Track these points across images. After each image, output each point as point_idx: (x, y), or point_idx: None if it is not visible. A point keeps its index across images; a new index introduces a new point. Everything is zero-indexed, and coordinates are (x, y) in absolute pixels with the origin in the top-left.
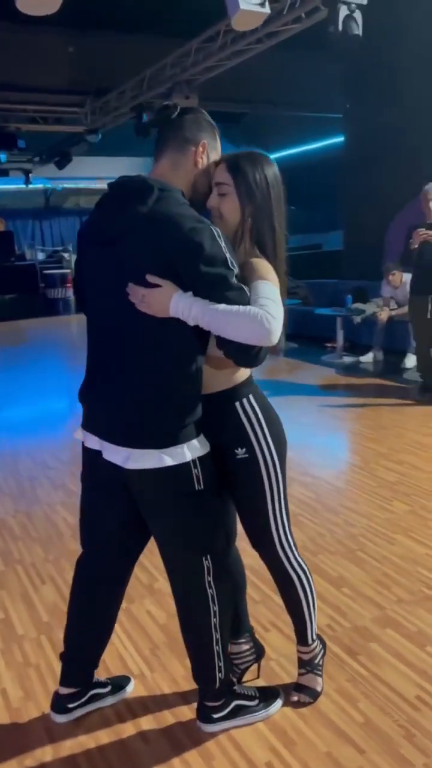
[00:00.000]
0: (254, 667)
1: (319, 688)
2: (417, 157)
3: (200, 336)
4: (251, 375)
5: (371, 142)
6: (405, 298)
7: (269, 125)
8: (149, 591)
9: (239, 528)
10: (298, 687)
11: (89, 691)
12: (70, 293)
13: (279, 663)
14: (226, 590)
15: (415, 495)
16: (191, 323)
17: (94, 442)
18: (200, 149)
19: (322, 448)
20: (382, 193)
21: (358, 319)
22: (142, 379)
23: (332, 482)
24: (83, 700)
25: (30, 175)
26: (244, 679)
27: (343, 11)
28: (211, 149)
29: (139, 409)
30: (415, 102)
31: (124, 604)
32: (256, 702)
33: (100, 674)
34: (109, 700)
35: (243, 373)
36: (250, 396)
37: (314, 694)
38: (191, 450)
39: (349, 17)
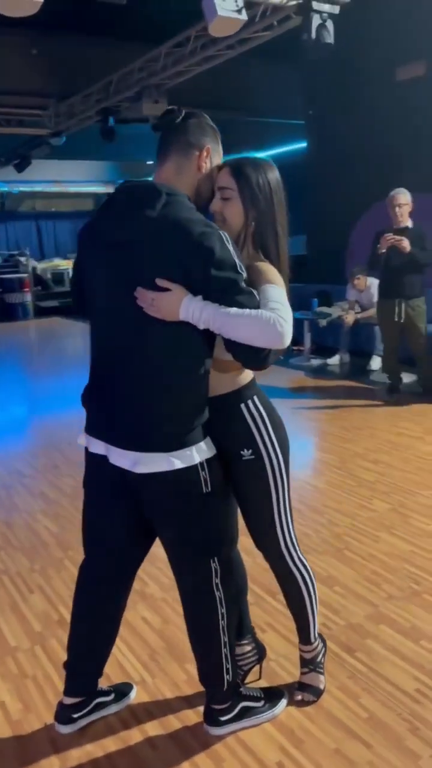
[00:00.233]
0: (256, 668)
1: (322, 686)
2: (378, 164)
3: (207, 339)
4: (254, 377)
5: (333, 148)
6: (369, 302)
7: (231, 130)
8: (141, 597)
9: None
10: (302, 686)
11: (93, 700)
12: (28, 298)
13: (279, 663)
14: (231, 592)
15: (393, 493)
16: (201, 326)
17: (98, 447)
18: (204, 154)
19: (299, 450)
20: (344, 199)
21: (323, 322)
22: (149, 383)
23: (313, 483)
24: (88, 709)
25: None
26: (247, 680)
27: (316, 20)
28: (214, 153)
29: (147, 412)
30: (375, 110)
31: None
32: (261, 703)
33: (101, 682)
34: (113, 708)
35: (247, 375)
36: (255, 398)
37: (317, 692)
38: (199, 453)
39: (321, 26)
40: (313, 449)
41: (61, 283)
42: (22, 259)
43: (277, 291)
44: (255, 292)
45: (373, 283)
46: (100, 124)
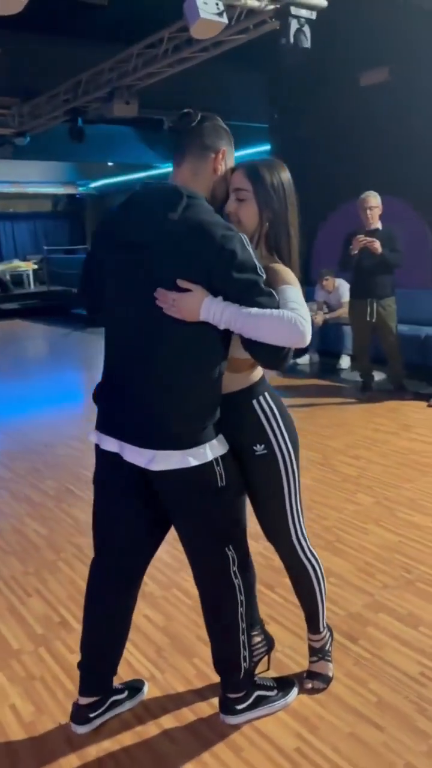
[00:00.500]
0: (264, 659)
1: (330, 674)
2: (342, 168)
3: (224, 340)
4: (264, 375)
5: (298, 151)
6: (338, 302)
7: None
8: (141, 595)
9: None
10: (311, 674)
11: (109, 699)
12: None
13: (285, 654)
14: (248, 580)
15: (376, 487)
16: (221, 326)
17: (111, 445)
18: (220, 156)
19: None
20: (309, 202)
21: None
22: (166, 382)
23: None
24: (104, 708)
25: None
26: (256, 671)
27: (294, 25)
28: (228, 155)
29: (163, 411)
30: (339, 114)
31: None
32: (275, 692)
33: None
34: (127, 705)
35: (258, 373)
36: (266, 394)
37: (327, 680)
38: (212, 450)
39: (299, 31)
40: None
41: (21, 284)
42: None
43: (294, 291)
44: (274, 292)
45: (342, 283)
46: (68, 125)
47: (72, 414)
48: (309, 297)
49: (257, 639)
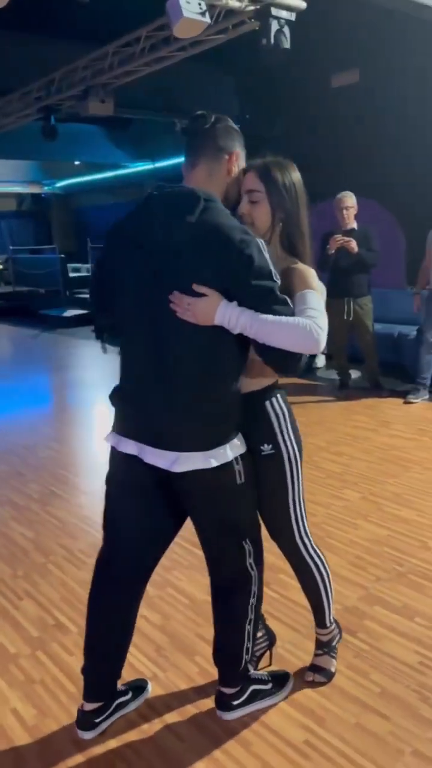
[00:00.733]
0: (266, 654)
1: (333, 669)
2: (314, 169)
3: (241, 343)
4: (277, 378)
5: (270, 152)
6: None
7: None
8: None
9: None
10: (314, 668)
11: (114, 702)
12: None
13: (285, 648)
14: (261, 572)
15: (361, 483)
16: (236, 331)
17: (130, 447)
18: (234, 158)
19: None
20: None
21: None
22: (185, 385)
23: None
24: (109, 712)
25: None
26: (259, 666)
27: (274, 25)
28: (240, 157)
29: (186, 414)
30: (311, 116)
31: None
32: (270, 685)
33: None
34: (132, 706)
35: (273, 375)
36: (279, 396)
37: (329, 675)
38: (232, 449)
39: (279, 32)
40: None
41: None
42: None
43: (315, 297)
44: (288, 300)
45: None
46: (36, 123)
47: (48, 415)
48: None
49: (259, 634)
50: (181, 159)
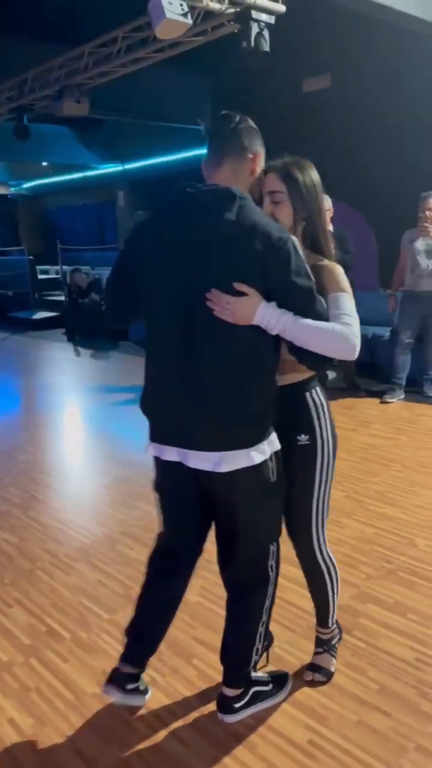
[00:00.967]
0: (264, 654)
1: (332, 669)
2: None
3: (275, 341)
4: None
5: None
6: None
7: (131, 133)
8: (128, 600)
9: None
10: (314, 666)
11: (139, 678)
12: None
13: (282, 648)
14: (277, 575)
15: (345, 482)
16: (273, 332)
17: (171, 454)
18: (257, 158)
19: None
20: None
21: None
22: (224, 385)
23: None
24: (135, 685)
25: None
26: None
27: (255, 28)
28: (262, 157)
29: (228, 413)
30: (282, 120)
31: (107, 616)
32: (270, 686)
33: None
34: (138, 701)
35: (307, 370)
36: (318, 388)
37: (328, 674)
38: (270, 445)
39: (259, 34)
40: None
41: None
42: None
43: (350, 302)
44: (323, 300)
45: None
46: (8, 122)
47: (22, 419)
48: None
49: None
50: (151, 161)
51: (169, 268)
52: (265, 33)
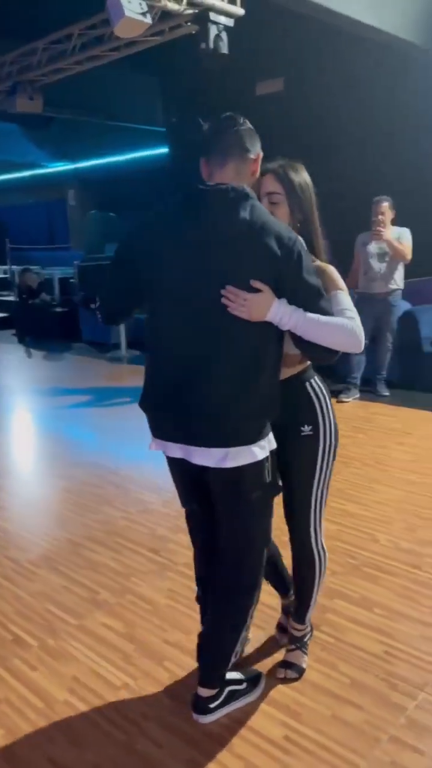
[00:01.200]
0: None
1: (304, 666)
2: None
3: (280, 338)
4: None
5: (196, 156)
6: None
7: (82, 131)
8: (95, 605)
9: None
10: (286, 664)
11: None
12: None
13: (251, 646)
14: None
15: None
16: (285, 328)
17: (175, 451)
18: (258, 159)
19: None
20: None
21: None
22: (233, 380)
23: None
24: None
25: None
26: None
27: (213, 30)
28: (261, 159)
29: (234, 409)
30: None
31: (75, 621)
32: (244, 685)
33: (84, 697)
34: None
35: (305, 361)
36: (316, 377)
37: (300, 671)
38: (269, 443)
39: (217, 36)
40: None
41: None
42: None
43: (347, 298)
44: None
45: None
46: None
47: None
48: None
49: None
50: (102, 160)
51: (182, 266)
52: (224, 35)
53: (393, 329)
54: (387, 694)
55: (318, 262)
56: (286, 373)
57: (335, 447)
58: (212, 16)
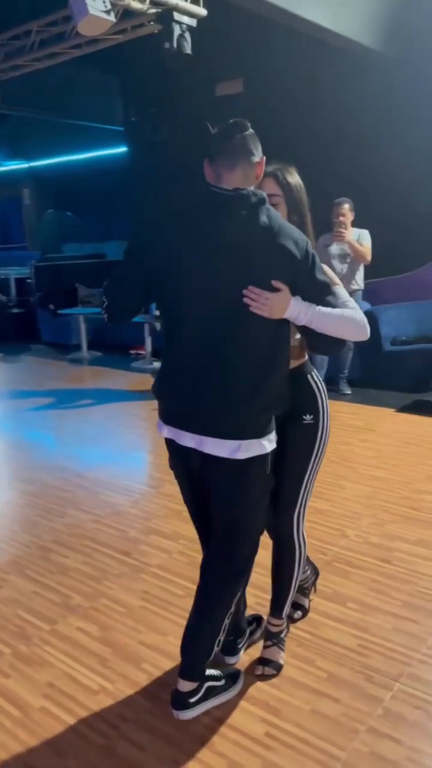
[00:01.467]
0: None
1: (281, 662)
2: (199, 175)
3: (289, 335)
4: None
5: (154, 155)
6: None
7: (38, 129)
8: (68, 609)
9: None
10: (263, 660)
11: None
12: None
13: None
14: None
15: None
16: (300, 324)
17: (188, 440)
18: (262, 162)
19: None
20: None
21: (158, 325)
22: (249, 376)
23: None
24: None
25: None
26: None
27: (177, 30)
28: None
29: (248, 403)
30: (196, 122)
31: (48, 627)
32: (223, 681)
33: (61, 702)
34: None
35: (305, 355)
36: (315, 371)
37: (278, 667)
38: (274, 437)
39: (181, 36)
40: None
41: None
42: None
43: (345, 291)
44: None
45: None
46: None
47: None
48: None
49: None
50: (58, 159)
51: (203, 267)
52: (187, 35)
53: None
54: (363, 686)
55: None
56: (291, 365)
57: (328, 437)
58: (176, 16)
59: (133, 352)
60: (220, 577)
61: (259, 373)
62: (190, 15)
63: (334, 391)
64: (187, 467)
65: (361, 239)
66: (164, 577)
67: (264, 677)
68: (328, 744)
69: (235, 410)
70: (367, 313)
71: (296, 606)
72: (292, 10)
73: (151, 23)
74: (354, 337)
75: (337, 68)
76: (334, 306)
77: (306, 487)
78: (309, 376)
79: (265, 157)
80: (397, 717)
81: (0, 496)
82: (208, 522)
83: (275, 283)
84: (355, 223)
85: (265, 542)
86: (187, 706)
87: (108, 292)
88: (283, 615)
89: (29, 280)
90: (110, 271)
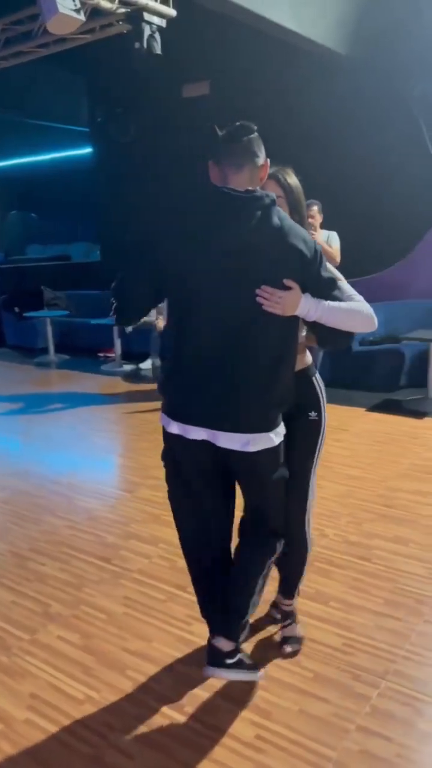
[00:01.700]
0: None
1: (301, 634)
2: (165, 176)
3: (297, 332)
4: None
5: (121, 157)
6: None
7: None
8: (48, 618)
9: None
10: (285, 639)
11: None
12: None
13: None
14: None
15: None
16: (311, 319)
17: (200, 434)
18: (266, 164)
19: (150, 450)
20: (136, 208)
21: (129, 328)
22: (261, 372)
23: None
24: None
25: None
26: None
27: (147, 30)
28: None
29: (259, 398)
30: (163, 124)
31: (28, 636)
32: (251, 661)
33: (45, 713)
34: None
35: (309, 357)
36: (317, 374)
37: (300, 641)
38: (282, 430)
39: (151, 37)
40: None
41: None
42: None
43: (348, 285)
44: None
45: None
46: None
47: None
48: None
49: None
50: (22, 159)
51: (217, 267)
52: (157, 36)
53: None
54: (350, 685)
55: None
56: (297, 366)
57: (325, 433)
58: (146, 16)
59: (101, 354)
60: (259, 541)
61: (270, 371)
62: (160, 15)
63: None
64: (198, 460)
65: (330, 241)
66: (145, 582)
67: (292, 654)
68: (318, 744)
69: (249, 406)
70: None
71: (275, 606)
72: (256, 10)
73: (120, 23)
74: (362, 328)
75: (304, 70)
76: (341, 300)
77: (311, 482)
78: (314, 378)
79: (269, 160)
80: (386, 714)
81: None
82: (215, 513)
83: (287, 282)
84: (324, 225)
85: None
86: (224, 665)
87: (118, 293)
88: (294, 594)
89: None
90: (114, 274)
